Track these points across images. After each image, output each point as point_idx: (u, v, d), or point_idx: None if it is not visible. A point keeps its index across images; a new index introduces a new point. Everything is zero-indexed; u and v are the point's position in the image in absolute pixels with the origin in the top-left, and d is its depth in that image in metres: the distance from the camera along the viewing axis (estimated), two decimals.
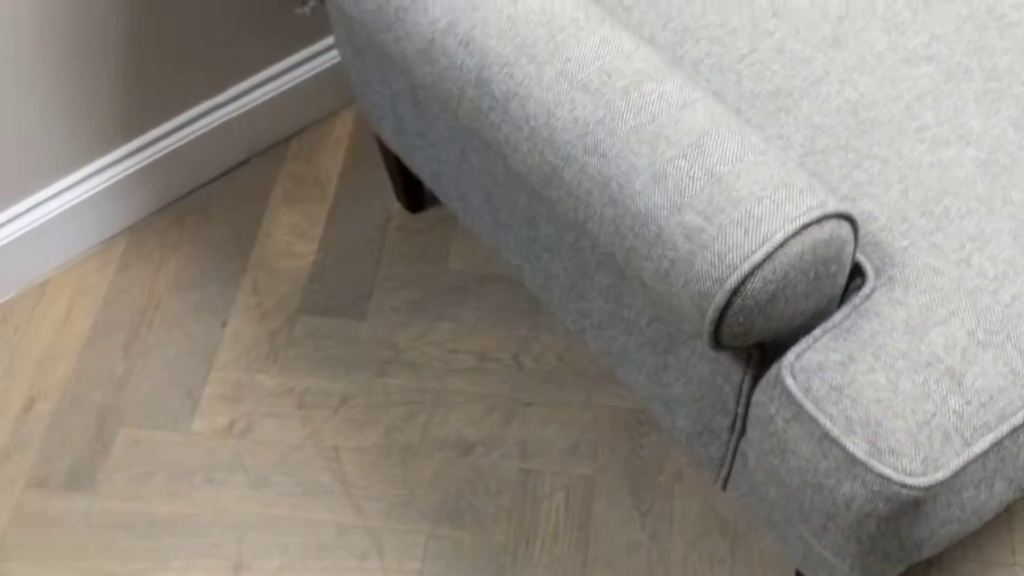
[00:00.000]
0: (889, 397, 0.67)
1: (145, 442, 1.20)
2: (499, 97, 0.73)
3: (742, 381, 0.77)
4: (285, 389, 1.23)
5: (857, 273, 0.74)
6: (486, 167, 0.95)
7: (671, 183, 0.65)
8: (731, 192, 0.64)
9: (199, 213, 1.40)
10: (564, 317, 1.01)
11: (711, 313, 0.65)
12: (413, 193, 1.35)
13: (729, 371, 0.77)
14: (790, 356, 0.70)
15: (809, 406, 0.68)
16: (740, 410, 0.80)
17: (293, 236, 1.37)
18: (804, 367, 0.70)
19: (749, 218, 0.63)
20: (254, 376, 1.24)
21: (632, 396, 1.18)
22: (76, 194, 1.31)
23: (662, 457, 1.16)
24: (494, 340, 1.25)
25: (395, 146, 1.16)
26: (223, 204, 1.40)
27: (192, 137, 1.36)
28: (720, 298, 0.64)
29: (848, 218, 0.67)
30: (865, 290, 0.72)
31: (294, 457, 1.18)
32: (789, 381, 0.69)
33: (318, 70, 1.41)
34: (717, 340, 0.67)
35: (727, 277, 0.63)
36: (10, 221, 1.28)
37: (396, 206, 1.38)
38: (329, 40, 1.41)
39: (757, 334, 0.68)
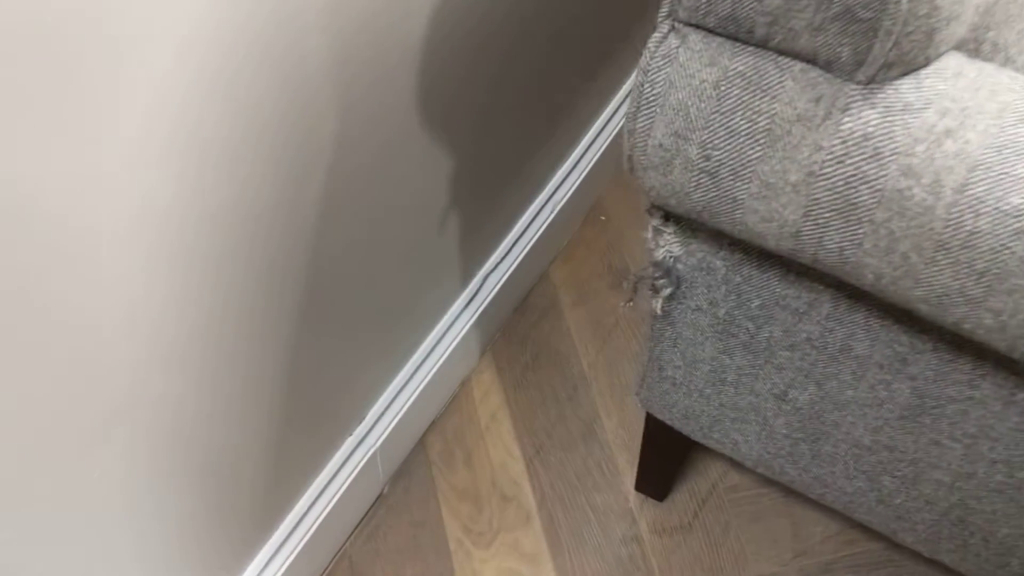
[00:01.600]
0: None
1: None
2: None
3: None
4: None
5: None
6: None
7: None
8: None
9: None
10: None
11: None
12: (666, 477, 0.95)
13: None
14: None
15: None
16: None
17: None
18: None
19: None
20: None
21: None
22: None
23: None
24: None
25: (754, 452, 0.76)
26: (383, 570, 0.92)
27: (334, 501, 0.87)
28: None
29: None
30: None
31: None
32: None
33: (449, 351, 0.97)
34: None
35: None
36: None
37: (632, 498, 0.97)
38: (454, 308, 0.98)
39: None
